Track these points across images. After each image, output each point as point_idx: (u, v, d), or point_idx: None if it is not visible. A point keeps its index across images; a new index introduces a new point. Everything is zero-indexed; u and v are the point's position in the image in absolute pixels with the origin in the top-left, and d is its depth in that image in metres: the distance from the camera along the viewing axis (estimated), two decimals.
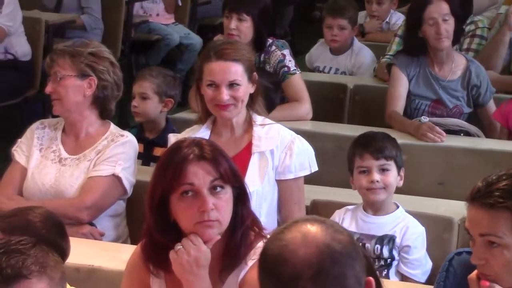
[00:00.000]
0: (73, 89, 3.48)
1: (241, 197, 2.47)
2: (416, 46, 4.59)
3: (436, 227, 3.41)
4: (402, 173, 3.29)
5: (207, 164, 2.39)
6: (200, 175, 2.38)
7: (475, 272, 2.17)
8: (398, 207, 3.30)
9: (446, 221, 3.43)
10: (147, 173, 3.11)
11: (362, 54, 5.62)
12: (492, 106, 4.66)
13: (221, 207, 2.38)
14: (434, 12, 4.40)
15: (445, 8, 4.40)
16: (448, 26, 4.40)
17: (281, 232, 1.72)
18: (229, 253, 2.45)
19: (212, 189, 2.38)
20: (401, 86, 4.61)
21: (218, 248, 2.43)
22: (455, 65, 4.59)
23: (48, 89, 3.53)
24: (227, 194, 2.40)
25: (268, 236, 1.82)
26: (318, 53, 5.75)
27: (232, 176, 2.43)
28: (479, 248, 2.11)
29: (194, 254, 2.36)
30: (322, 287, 1.65)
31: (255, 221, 2.53)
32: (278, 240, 1.70)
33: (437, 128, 4.27)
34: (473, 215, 2.13)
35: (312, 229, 1.70)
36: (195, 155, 2.39)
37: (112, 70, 3.58)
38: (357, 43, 5.65)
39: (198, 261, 2.36)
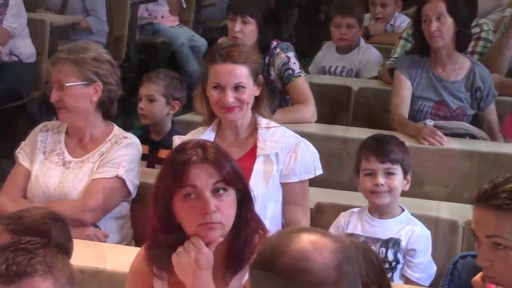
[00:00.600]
0: (80, 97, 3.48)
1: (245, 200, 2.46)
2: (420, 45, 4.59)
3: (441, 230, 3.40)
4: (409, 177, 3.27)
5: (210, 166, 2.39)
6: (202, 177, 2.38)
7: (479, 274, 2.17)
8: (403, 210, 3.29)
9: (451, 224, 3.42)
10: (152, 175, 3.10)
11: (369, 52, 5.64)
12: (492, 110, 4.66)
13: (223, 209, 2.38)
14: (429, 9, 4.42)
15: (441, 6, 4.40)
16: (441, 25, 4.39)
17: (285, 244, 1.69)
18: (233, 255, 2.44)
19: (215, 191, 2.38)
20: (405, 89, 4.61)
21: (222, 251, 2.43)
22: (459, 67, 4.58)
23: (54, 98, 3.51)
24: (230, 197, 2.40)
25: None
26: (325, 53, 5.76)
27: (236, 178, 2.42)
28: (485, 249, 2.11)
29: (194, 256, 2.36)
30: None
31: (260, 224, 2.52)
32: (288, 252, 1.68)
33: (438, 132, 4.27)
34: (480, 216, 2.13)
35: (314, 237, 1.69)
36: (198, 157, 2.39)
37: (113, 71, 3.58)
38: (363, 42, 5.68)
39: (199, 263, 2.36)
